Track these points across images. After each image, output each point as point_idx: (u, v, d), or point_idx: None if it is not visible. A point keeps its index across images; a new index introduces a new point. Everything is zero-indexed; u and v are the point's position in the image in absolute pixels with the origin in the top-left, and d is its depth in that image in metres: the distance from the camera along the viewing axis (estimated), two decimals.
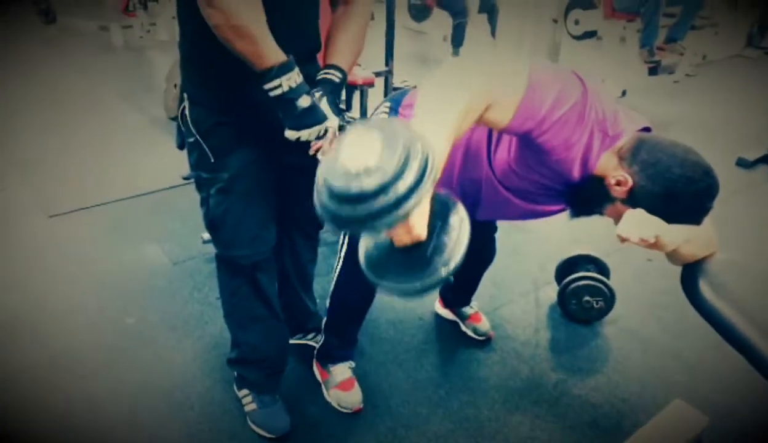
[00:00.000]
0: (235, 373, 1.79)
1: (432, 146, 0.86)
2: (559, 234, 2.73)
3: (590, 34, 4.52)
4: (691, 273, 1.29)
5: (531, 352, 2.08)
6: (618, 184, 1.22)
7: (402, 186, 0.81)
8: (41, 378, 1.90)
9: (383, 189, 0.80)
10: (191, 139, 1.44)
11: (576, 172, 1.24)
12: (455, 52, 5.55)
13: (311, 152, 1.37)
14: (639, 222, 1.24)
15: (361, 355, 2.01)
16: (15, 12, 6.72)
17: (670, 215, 1.22)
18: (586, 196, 1.29)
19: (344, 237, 1.66)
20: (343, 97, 3.86)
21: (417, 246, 0.95)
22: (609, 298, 2.16)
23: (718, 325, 1.18)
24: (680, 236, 1.25)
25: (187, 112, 1.42)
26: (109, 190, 3.05)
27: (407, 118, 1.44)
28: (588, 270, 2.23)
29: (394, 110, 1.53)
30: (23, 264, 2.48)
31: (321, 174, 0.86)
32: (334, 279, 1.72)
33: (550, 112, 1.13)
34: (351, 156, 0.82)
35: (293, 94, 1.25)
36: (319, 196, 0.86)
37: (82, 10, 6.27)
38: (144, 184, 3.09)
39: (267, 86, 1.24)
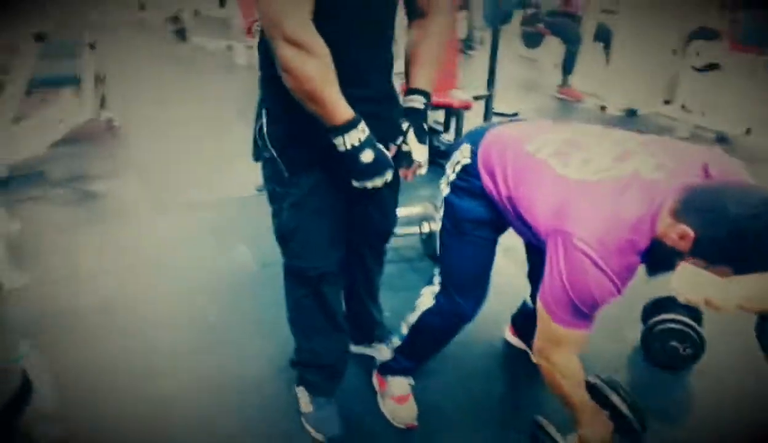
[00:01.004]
0: (297, 373, 1.83)
1: None
2: None
3: (713, 67, 4.24)
4: (765, 322, 1.16)
5: None
6: (681, 237, 1.16)
7: None
8: (118, 361, 2.04)
9: None
10: (267, 155, 1.50)
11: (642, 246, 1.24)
12: (564, 80, 5.41)
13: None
14: (689, 281, 1.19)
15: (424, 371, 1.98)
16: (152, 30, 7.46)
17: (745, 261, 1.12)
18: (656, 256, 1.25)
19: (439, 273, 1.66)
20: (441, 119, 3.89)
21: None
22: (698, 345, 1.99)
23: None
24: (740, 294, 1.15)
25: (264, 128, 1.49)
26: (213, 193, 3.25)
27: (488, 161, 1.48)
28: (678, 313, 2.06)
29: (474, 153, 1.52)
30: (126, 254, 2.70)
31: None
32: (419, 310, 1.70)
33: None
34: None
35: (356, 150, 1.31)
36: None
37: (211, 31, 6.79)
38: (245, 189, 3.27)
39: (334, 141, 1.31)
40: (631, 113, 4.83)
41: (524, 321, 2.07)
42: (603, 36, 5.29)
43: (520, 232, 1.57)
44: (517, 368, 2.06)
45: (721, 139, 4.27)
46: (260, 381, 1.96)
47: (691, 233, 1.14)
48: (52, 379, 1.67)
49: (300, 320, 1.72)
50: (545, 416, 1.55)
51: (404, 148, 1.46)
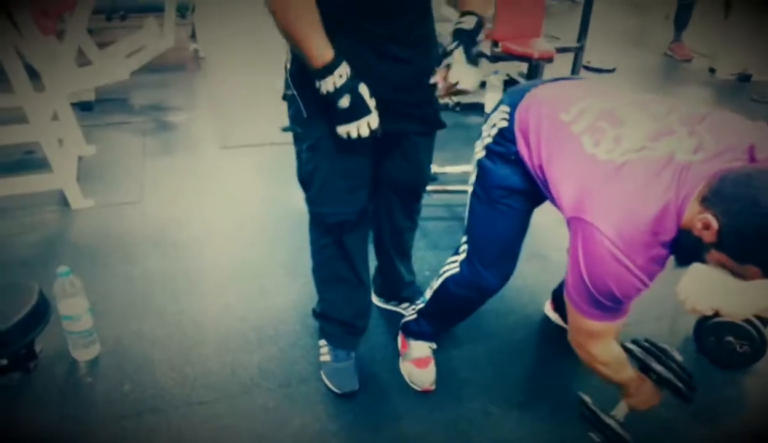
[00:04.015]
0: (318, 323, 1.84)
1: None
2: None
3: None
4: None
5: None
6: (705, 227, 1.04)
7: None
8: (158, 282, 2.15)
9: None
10: (289, 92, 1.46)
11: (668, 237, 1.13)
12: (676, 36, 4.91)
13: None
14: (700, 288, 1.11)
15: (452, 337, 1.93)
16: None
17: None
18: (683, 248, 1.14)
19: (465, 243, 1.58)
20: (525, 69, 3.66)
21: None
22: (758, 344, 1.79)
23: None
24: (753, 305, 1.02)
25: (288, 64, 1.44)
26: (272, 135, 3.26)
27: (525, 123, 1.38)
28: None
29: (511, 116, 1.40)
30: (189, 185, 2.80)
31: None
32: (444, 276, 1.63)
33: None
34: None
35: (333, 96, 1.27)
36: None
37: None
38: None
39: (316, 86, 1.28)
40: (744, 78, 4.32)
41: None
42: None
43: (557, 205, 1.46)
44: (552, 344, 1.95)
45: None
46: (283, 319, 1.99)
47: (714, 223, 1.02)
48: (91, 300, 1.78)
49: (321, 268, 1.71)
50: (577, 395, 1.48)
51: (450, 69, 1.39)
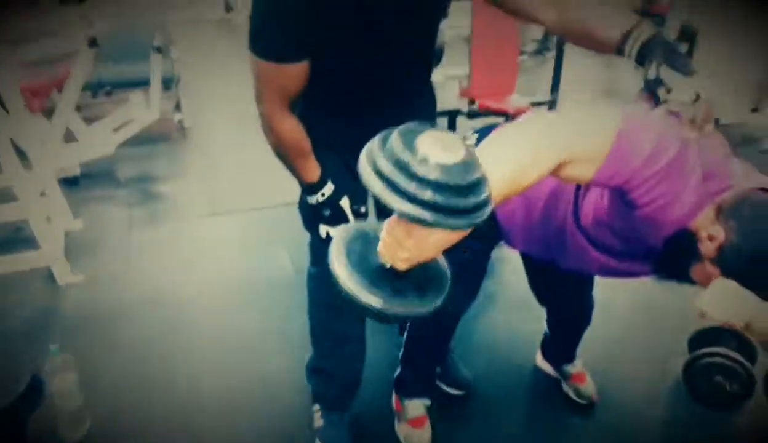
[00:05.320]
0: (312, 388, 1.83)
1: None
2: None
3: None
4: None
5: (638, 431, 1.82)
6: (710, 238, 1.06)
7: (485, 192, 0.78)
8: (150, 353, 2.13)
9: (481, 184, 0.78)
10: None
11: (669, 229, 1.11)
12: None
13: None
14: (728, 299, 1.05)
15: (446, 396, 1.93)
16: (237, 31, 7.69)
17: (760, 286, 1.01)
18: (673, 252, 1.14)
19: None
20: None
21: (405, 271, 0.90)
22: (746, 383, 1.80)
23: None
24: None
25: None
26: (264, 198, 3.31)
27: None
28: (725, 346, 1.88)
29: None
30: (177, 254, 2.82)
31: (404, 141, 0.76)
32: None
33: (641, 169, 1.03)
34: (442, 147, 0.76)
35: (317, 207, 1.41)
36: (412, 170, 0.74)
37: None
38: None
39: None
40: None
41: (550, 344, 1.98)
42: (687, 36, 4.94)
43: (512, 245, 1.51)
44: (546, 398, 1.96)
45: None
46: (277, 390, 1.98)
47: (721, 236, 1.04)
48: (80, 377, 1.76)
49: (319, 323, 1.73)
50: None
51: None
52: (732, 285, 1.05)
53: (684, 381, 1.91)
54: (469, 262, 1.52)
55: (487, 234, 1.48)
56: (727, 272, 1.06)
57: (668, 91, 1.11)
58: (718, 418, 1.85)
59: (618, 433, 1.81)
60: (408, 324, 1.70)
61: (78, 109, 3.52)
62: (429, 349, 1.74)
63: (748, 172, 1.17)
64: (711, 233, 1.05)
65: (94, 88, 4.59)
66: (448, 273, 0.98)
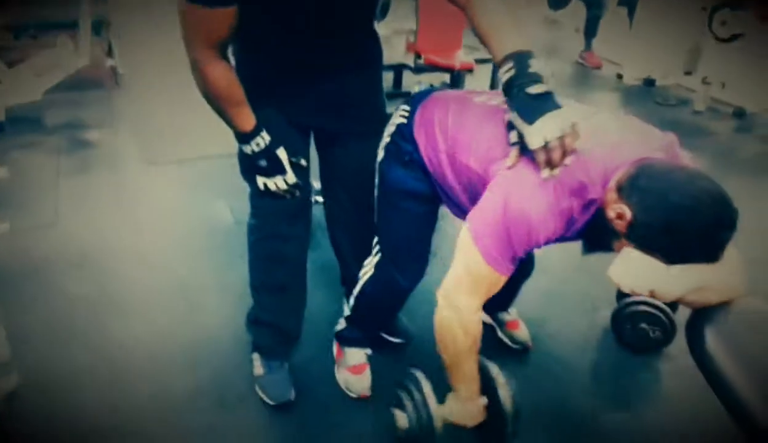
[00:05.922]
0: (252, 336, 1.82)
1: None
2: None
3: (737, 37, 4.01)
4: (697, 318, 1.09)
5: (568, 374, 1.91)
6: (618, 217, 1.10)
7: None
8: (81, 307, 2.07)
9: None
10: None
11: (578, 224, 1.19)
12: (587, 45, 5.19)
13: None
14: (633, 269, 1.12)
15: (387, 343, 1.95)
16: None
17: (675, 253, 1.06)
18: (595, 231, 1.19)
19: (377, 244, 1.61)
20: (447, 80, 3.76)
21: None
22: (668, 330, 1.92)
23: (714, 382, 0.99)
24: (685, 285, 1.08)
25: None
26: (202, 148, 3.22)
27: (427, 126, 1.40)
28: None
29: (411, 113, 1.45)
30: (110, 204, 2.71)
31: None
32: (362, 280, 1.66)
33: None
34: None
35: (253, 158, 1.37)
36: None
37: None
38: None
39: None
40: (649, 83, 4.62)
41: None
42: (628, 0, 5.05)
43: (453, 211, 1.51)
44: (482, 344, 2.01)
45: (739, 115, 4.07)
46: (215, 337, 1.96)
47: (628, 214, 1.08)
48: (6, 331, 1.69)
49: (259, 275, 1.71)
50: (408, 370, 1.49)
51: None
52: (636, 255, 1.10)
53: (612, 327, 2.04)
54: (414, 223, 1.54)
55: (427, 195, 1.49)
56: (642, 246, 1.09)
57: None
58: (642, 361, 1.97)
59: (551, 376, 1.89)
60: (358, 291, 1.69)
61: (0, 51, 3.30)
62: (379, 317, 1.77)
63: (648, 135, 1.22)
64: (617, 211, 1.09)
65: (18, 31, 4.30)
66: None
